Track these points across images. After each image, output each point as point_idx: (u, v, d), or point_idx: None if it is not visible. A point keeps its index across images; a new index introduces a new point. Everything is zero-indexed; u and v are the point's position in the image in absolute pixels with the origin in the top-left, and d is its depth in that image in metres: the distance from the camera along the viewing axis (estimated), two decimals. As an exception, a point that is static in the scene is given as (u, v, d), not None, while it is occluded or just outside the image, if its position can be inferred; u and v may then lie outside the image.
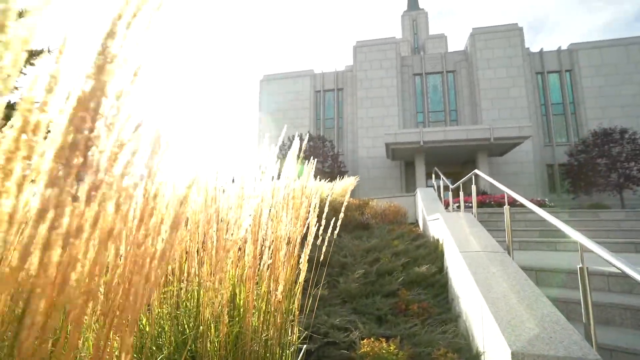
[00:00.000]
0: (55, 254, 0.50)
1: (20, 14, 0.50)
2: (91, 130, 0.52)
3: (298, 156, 2.00)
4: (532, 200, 12.14)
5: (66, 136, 0.50)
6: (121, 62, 0.54)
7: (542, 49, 20.41)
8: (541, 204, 11.97)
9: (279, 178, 2.11)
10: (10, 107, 0.60)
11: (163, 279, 1.42)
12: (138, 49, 0.58)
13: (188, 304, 1.55)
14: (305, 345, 1.90)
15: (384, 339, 2.15)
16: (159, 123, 0.89)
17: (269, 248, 1.56)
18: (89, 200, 0.52)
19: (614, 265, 1.71)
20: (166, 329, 1.29)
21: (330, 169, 18.22)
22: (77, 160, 0.51)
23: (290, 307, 1.64)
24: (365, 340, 2.16)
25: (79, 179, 0.56)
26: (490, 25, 20.81)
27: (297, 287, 1.69)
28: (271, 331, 1.42)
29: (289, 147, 2.19)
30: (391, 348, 2.04)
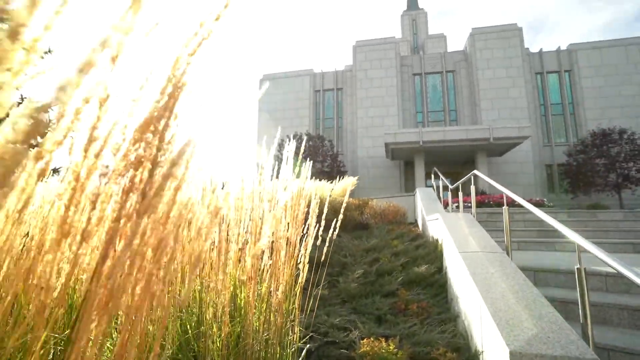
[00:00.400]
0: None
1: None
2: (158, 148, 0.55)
3: (297, 154, 2.01)
4: (530, 200, 12.18)
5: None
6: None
7: (541, 49, 20.45)
8: (540, 204, 12.02)
9: (277, 178, 2.13)
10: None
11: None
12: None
13: (190, 303, 1.57)
14: (307, 345, 1.91)
15: (383, 339, 2.17)
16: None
17: (270, 249, 1.58)
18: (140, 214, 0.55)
19: (610, 266, 1.73)
20: (169, 328, 1.31)
21: (330, 169, 18.23)
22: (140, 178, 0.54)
23: (291, 307, 1.65)
24: (364, 340, 2.18)
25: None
26: (490, 25, 20.84)
27: (297, 287, 1.71)
28: (272, 331, 1.43)
29: (287, 147, 2.20)
30: (390, 347, 2.06)
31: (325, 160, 18.55)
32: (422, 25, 37.40)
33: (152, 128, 0.57)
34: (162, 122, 0.58)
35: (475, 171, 5.13)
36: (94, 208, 0.59)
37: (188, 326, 1.42)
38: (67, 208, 0.58)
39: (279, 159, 2.18)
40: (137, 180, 0.57)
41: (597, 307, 2.77)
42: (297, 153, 2.01)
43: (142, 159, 0.56)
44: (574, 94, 19.54)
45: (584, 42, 19.97)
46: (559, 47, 20.31)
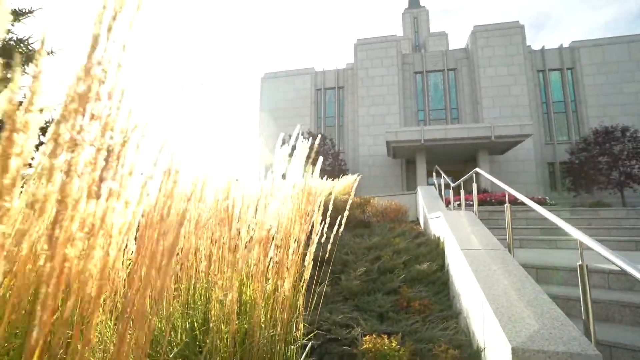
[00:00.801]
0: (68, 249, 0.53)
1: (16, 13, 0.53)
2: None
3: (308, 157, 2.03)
4: (532, 199, 12.16)
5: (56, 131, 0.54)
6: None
7: (543, 46, 20.37)
8: (542, 202, 12.00)
9: (282, 177, 2.14)
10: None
11: (173, 276, 1.45)
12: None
13: (197, 300, 1.59)
14: (311, 342, 1.93)
15: (385, 336, 2.18)
16: (167, 122, 0.92)
17: (278, 246, 1.59)
18: (89, 196, 0.55)
19: (612, 263, 1.73)
20: (177, 325, 1.33)
21: (332, 167, 18.25)
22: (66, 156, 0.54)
23: (296, 303, 1.67)
24: (367, 337, 2.20)
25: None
26: (492, 23, 20.76)
27: (302, 284, 1.73)
28: (278, 327, 1.45)
29: (290, 145, 2.22)
30: (393, 344, 2.08)
31: (327, 159, 18.56)
32: (424, 23, 37.28)
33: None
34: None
35: (477, 169, 5.13)
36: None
37: (195, 323, 1.44)
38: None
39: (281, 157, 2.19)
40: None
41: (600, 304, 2.78)
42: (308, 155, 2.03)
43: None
44: (577, 92, 19.47)
45: (586, 39, 19.88)
46: (561, 44, 20.22)
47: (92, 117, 0.61)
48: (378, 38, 22.46)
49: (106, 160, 0.64)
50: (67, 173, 0.58)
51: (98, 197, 0.63)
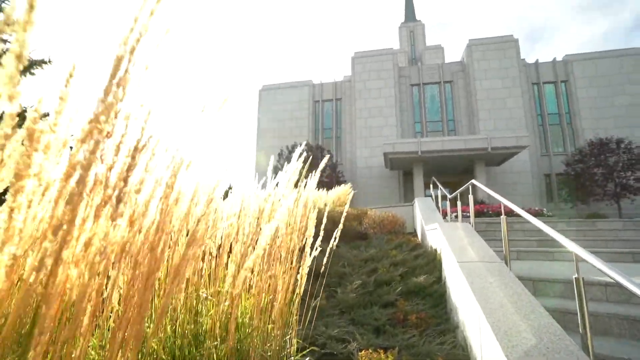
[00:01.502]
0: (66, 267, 0.51)
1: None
2: (97, 150, 0.54)
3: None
4: (529, 210, 12.17)
5: (75, 155, 0.53)
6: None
7: (537, 60, 20.74)
8: (539, 214, 12.01)
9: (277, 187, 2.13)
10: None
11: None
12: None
13: (187, 316, 1.55)
14: (307, 358, 1.89)
15: (382, 350, 2.15)
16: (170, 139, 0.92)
17: (272, 260, 1.57)
18: (97, 216, 0.54)
19: (608, 275, 1.72)
20: (168, 343, 1.30)
21: (329, 179, 18.25)
22: (88, 178, 0.53)
23: (290, 318, 1.64)
24: (363, 352, 2.16)
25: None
26: (486, 37, 21.18)
27: (295, 298, 1.70)
28: (272, 343, 1.42)
29: (287, 157, 2.23)
30: (389, 359, 2.04)
31: (325, 170, 18.58)
32: (420, 37, 37.98)
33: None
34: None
35: (473, 181, 5.15)
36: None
37: (184, 340, 1.41)
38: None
39: (278, 169, 2.19)
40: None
41: (598, 317, 2.75)
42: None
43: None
44: (571, 104, 19.74)
45: (579, 53, 20.29)
46: (555, 58, 20.60)
47: (108, 135, 0.61)
48: (375, 51, 22.80)
49: (124, 179, 0.62)
50: (79, 193, 0.56)
51: (114, 219, 0.61)
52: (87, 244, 0.55)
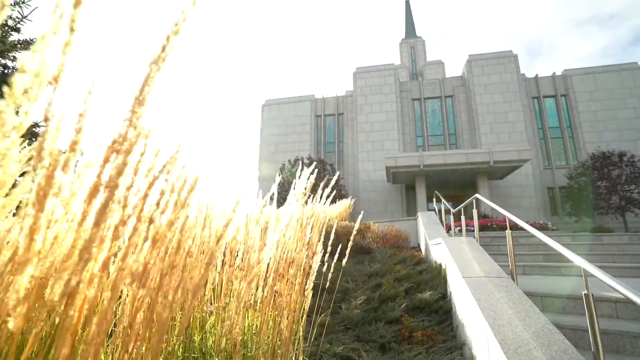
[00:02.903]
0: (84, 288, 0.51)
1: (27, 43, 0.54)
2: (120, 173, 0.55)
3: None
4: (534, 224, 12.08)
5: (100, 176, 0.53)
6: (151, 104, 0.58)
7: (537, 74, 20.97)
8: (543, 227, 11.90)
9: (279, 204, 2.14)
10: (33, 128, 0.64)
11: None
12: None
13: (196, 332, 1.54)
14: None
15: (388, 369, 2.10)
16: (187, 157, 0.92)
17: (281, 276, 1.56)
18: (115, 236, 0.54)
19: (618, 292, 1.70)
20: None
21: (331, 192, 18.21)
22: (111, 201, 0.54)
23: (296, 335, 1.62)
24: (369, 370, 2.11)
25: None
26: (486, 52, 21.47)
27: (302, 315, 1.68)
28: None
29: (289, 171, 2.24)
30: (396, 378, 1.99)
31: (327, 184, 18.54)
32: (420, 53, 38.61)
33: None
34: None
35: (477, 195, 5.13)
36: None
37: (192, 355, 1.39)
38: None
39: (280, 182, 2.20)
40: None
41: (609, 335, 2.69)
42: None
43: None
44: (572, 118, 19.83)
45: (578, 67, 20.51)
46: (554, 72, 20.82)
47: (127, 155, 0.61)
48: (376, 66, 23.14)
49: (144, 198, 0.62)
50: (101, 216, 0.56)
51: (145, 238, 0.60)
52: (106, 264, 0.55)
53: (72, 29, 0.49)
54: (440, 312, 3.41)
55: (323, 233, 2.06)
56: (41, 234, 0.50)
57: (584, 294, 1.97)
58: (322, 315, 2.98)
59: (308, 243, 1.73)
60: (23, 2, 6.10)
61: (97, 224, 0.52)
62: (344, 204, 9.93)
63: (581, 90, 19.79)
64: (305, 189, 1.90)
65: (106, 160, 0.55)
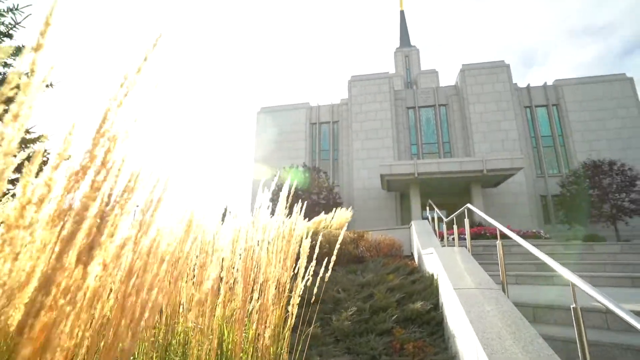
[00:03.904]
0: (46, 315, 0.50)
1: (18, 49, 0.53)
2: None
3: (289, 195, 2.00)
4: (527, 232, 12.13)
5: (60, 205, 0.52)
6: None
7: (529, 84, 21.32)
8: (537, 236, 11.97)
9: (272, 213, 2.11)
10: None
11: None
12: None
13: (175, 346, 1.50)
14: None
15: (377, 383, 2.06)
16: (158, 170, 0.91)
17: (259, 290, 1.53)
18: (79, 261, 0.53)
19: (600, 303, 1.69)
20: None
21: (326, 201, 18.18)
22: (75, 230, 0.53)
23: (279, 351, 1.58)
24: (358, 385, 2.08)
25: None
26: (479, 62, 21.81)
27: (286, 330, 1.65)
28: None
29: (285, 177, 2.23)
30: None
31: (321, 192, 18.53)
32: (415, 61, 39.07)
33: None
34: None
35: (468, 205, 5.14)
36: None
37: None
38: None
39: (274, 191, 2.18)
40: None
41: (600, 347, 2.68)
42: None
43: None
44: (563, 127, 20.13)
45: (568, 78, 20.90)
46: (545, 82, 21.19)
47: (92, 185, 0.60)
48: (371, 75, 23.35)
49: (98, 227, 0.61)
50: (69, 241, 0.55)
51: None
52: (68, 290, 0.53)
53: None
54: (432, 323, 3.38)
55: (318, 243, 2.04)
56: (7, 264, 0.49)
57: (572, 308, 1.97)
58: (312, 326, 2.94)
59: (291, 256, 1.71)
60: (17, 9, 6.09)
61: (60, 257, 0.51)
62: (345, 215, 9.88)
63: (572, 100, 20.14)
64: (287, 204, 1.88)
65: (68, 190, 0.54)
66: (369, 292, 4.13)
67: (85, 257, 0.54)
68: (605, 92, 19.81)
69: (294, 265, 1.76)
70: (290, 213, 2.19)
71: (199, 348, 1.36)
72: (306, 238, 1.81)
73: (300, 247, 1.79)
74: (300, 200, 2.81)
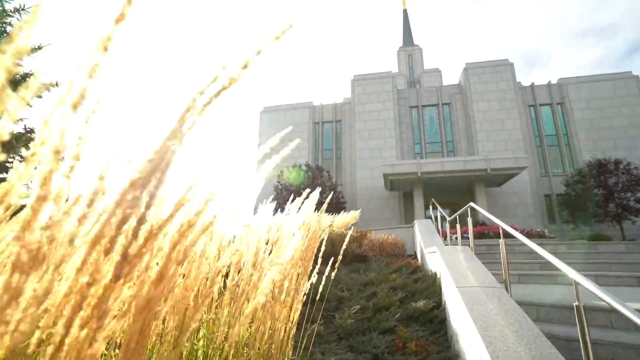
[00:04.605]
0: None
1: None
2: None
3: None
4: (531, 231, 12.07)
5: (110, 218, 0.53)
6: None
7: (533, 83, 21.17)
8: (541, 235, 11.91)
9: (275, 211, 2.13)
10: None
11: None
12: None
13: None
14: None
15: (380, 381, 2.08)
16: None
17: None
18: (117, 277, 0.53)
19: (605, 301, 1.69)
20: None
21: (329, 200, 18.16)
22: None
23: (285, 348, 1.60)
24: (361, 382, 2.09)
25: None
26: (483, 60, 21.69)
27: (292, 327, 1.66)
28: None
29: (288, 177, 2.24)
30: (388, 391, 1.97)
31: (324, 192, 18.52)
32: (418, 61, 38.99)
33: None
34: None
35: (471, 204, 5.13)
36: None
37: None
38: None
39: (278, 189, 2.20)
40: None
41: (604, 346, 2.68)
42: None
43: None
44: (567, 126, 19.98)
45: (573, 76, 20.75)
46: (550, 81, 21.03)
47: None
48: (374, 74, 23.30)
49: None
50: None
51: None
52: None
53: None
54: (435, 321, 3.39)
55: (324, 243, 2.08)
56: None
57: (575, 305, 1.97)
58: (316, 324, 2.96)
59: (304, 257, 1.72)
60: (23, 10, 6.14)
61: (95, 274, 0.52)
62: (351, 216, 9.86)
63: (576, 98, 19.99)
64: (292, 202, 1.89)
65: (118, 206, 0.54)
66: (372, 291, 4.14)
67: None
68: (610, 91, 19.64)
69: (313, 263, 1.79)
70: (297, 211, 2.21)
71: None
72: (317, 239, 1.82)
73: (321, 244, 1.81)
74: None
